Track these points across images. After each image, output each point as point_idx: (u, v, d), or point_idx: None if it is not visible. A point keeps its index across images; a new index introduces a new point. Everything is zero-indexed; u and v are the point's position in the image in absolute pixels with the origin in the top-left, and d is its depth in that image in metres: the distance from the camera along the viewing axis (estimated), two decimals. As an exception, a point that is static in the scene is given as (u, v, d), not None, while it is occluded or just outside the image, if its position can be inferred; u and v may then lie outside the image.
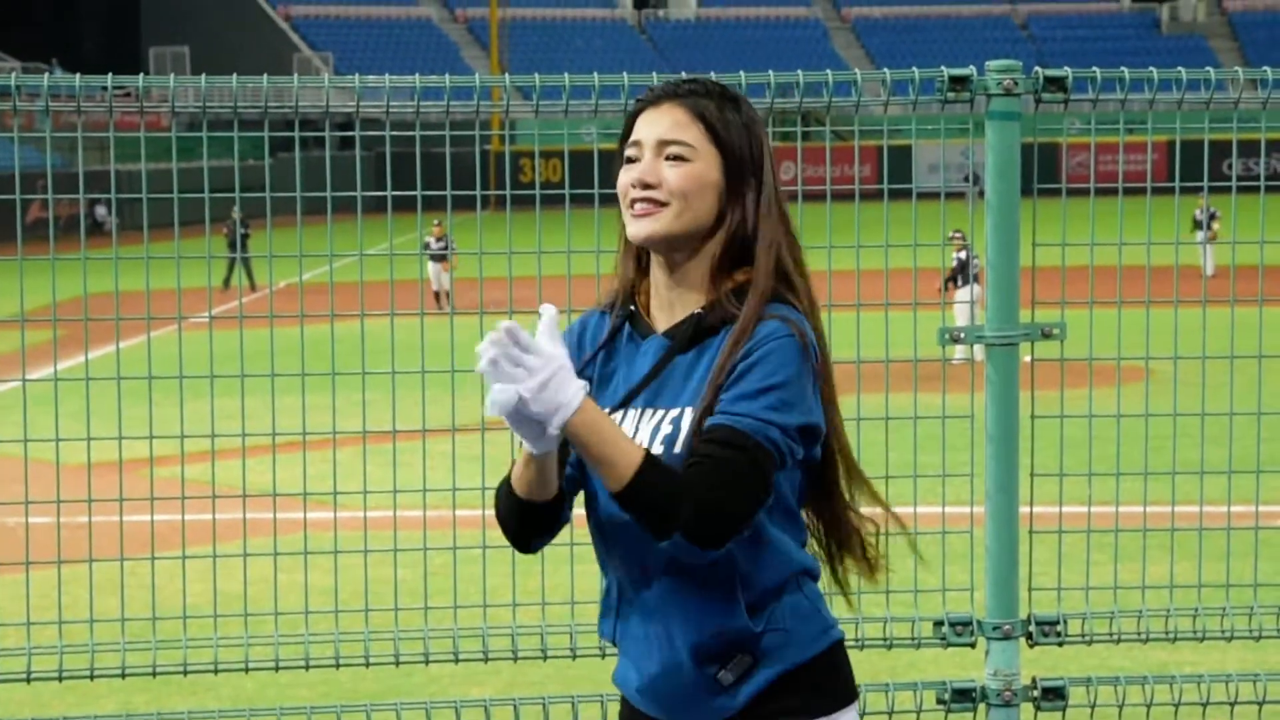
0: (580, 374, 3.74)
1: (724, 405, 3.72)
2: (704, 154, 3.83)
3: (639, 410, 3.86)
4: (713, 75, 6.13)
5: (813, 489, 4.00)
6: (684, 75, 4.03)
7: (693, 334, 3.85)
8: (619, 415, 3.86)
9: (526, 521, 3.85)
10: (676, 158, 3.82)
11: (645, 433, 3.82)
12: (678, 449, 3.76)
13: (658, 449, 3.77)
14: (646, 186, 3.82)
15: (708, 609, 3.80)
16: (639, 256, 3.98)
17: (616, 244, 4.00)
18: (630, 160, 3.87)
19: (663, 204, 3.81)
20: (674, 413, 3.81)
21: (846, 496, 4.07)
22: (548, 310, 3.53)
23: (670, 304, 3.91)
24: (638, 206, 3.83)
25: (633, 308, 3.97)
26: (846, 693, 3.93)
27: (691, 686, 3.84)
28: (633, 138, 3.89)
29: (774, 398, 3.71)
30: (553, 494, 3.78)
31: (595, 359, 3.97)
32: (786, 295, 3.87)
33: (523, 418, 3.47)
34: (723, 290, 3.86)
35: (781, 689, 3.84)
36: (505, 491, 3.85)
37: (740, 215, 3.86)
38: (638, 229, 3.83)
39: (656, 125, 3.86)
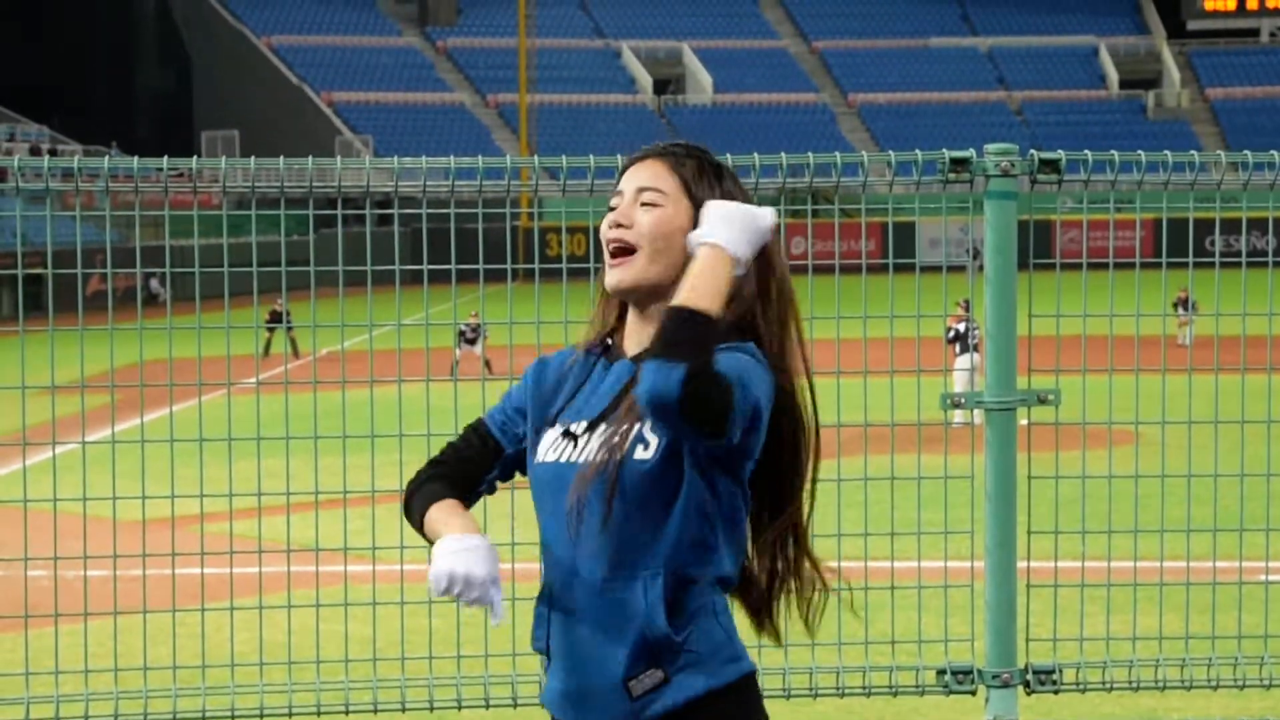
0: (548, 405, 3.93)
1: None
2: (676, 202, 3.84)
3: (601, 426, 3.85)
4: (728, 157, 6.17)
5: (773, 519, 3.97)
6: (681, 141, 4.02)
7: None
8: (584, 429, 3.86)
9: (424, 535, 3.97)
10: (650, 204, 3.84)
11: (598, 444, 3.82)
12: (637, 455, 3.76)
13: (603, 455, 3.78)
14: (619, 226, 3.84)
15: (633, 615, 3.77)
16: (619, 305, 3.98)
17: (596, 296, 4.00)
18: (613, 209, 3.90)
19: (633, 249, 3.82)
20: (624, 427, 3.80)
21: (807, 542, 4.01)
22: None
23: (641, 343, 3.87)
24: (613, 252, 3.85)
25: (609, 342, 3.98)
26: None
27: (605, 691, 3.80)
28: (619, 186, 3.92)
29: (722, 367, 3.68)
30: None
31: (563, 385, 3.97)
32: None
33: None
34: None
35: (690, 713, 3.79)
36: (417, 517, 3.96)
37: None
38: (612, 278, 3.84)
39: (639, 174, 3.89)
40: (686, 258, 3.79)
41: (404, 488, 4.05)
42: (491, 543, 3.77)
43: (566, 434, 3.88)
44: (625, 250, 3.83)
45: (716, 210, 3.77)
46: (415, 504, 3.99)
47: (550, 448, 3.91)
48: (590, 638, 3.82)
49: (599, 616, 3.80)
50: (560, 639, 3.88)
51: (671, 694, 3.78)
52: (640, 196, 3.85)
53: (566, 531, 3.83)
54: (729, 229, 3.73)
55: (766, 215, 3.80)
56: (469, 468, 4.04)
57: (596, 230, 5.68)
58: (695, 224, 3.81)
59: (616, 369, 3.91)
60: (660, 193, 3.84)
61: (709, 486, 3.78)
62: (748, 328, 3.87)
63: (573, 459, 3.85)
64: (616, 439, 3.77)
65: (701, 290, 3.63)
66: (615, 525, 3.76)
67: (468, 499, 4.01)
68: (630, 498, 3.75)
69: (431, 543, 3.87)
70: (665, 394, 3.51)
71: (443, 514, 3.91)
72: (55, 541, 6.36)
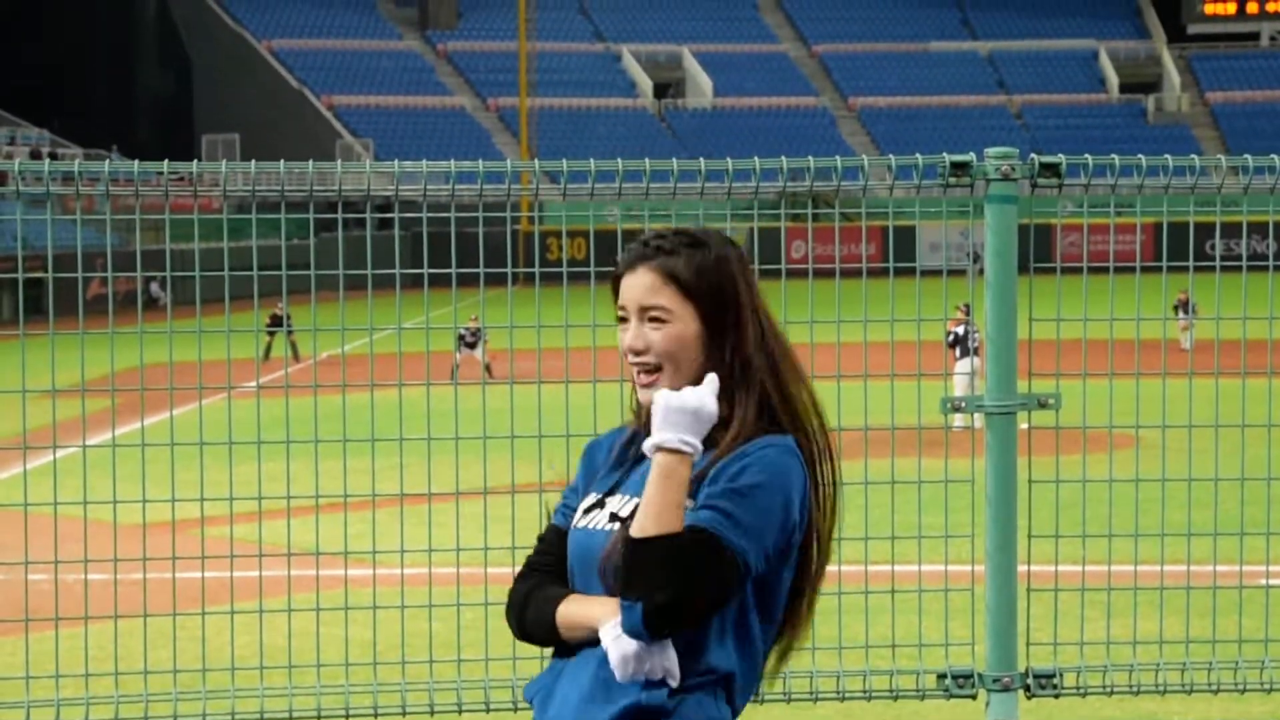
0: (593, 479, 4.04)
1: (700, 501, 3.80)
2: (680, 313, 3.92)
3: (625, 496, 3.96)
4: (728, 161, 6.17)
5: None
6: (651, 232, 4.03)
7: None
8: (615, 497, 3.96)
9: (551, 641, 3.97)
10: (657, 320, 3.92)
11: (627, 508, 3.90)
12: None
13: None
14: (637, 353, 3.93)
15: (632, 683, 3.79)
16: None
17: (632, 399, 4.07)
18: (623, 320, 3.97)
19: (657, 368, 3.92)
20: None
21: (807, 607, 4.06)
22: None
23: None
24: (640, 376, 3.94)
25: None
26: None
27: None
28: (620, 301, 3.99)
29: (743, 503, 3.78)
30: None
31: (608, 461, 4.07)
32: (784, 428, 3.92)
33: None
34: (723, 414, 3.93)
35: None
36: (545, 619, 3.93)
37: (724, 354, 3.94)
38: (645, 396, 3.95)
39: (635, 290, 3.95)
40: (703, 352, 3.91)
41: (508, 608, 4.04)
42: None
43: (599, 504, 3.98)
44: (650, 369, 3.94)
45: (657, 412, 3.83)
46: (534, 611, 3.97)
47: (583, 514, 4.00)
48: (584, 696, 3.84)
49: (597, 675, 3.83)
50: (554, 693, 3.90)
51: None
52: (646, 315, 3.93)
53: (588, 594, 3.91)
54: (671, 427, 3.81)
55: (705, 393, 3.84)
56: (561, 565, 4.04)
57: (598, 234, 5.73)
58: (702, 320, 3.91)
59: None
60: (663, 308, 3.92)
61: None
62: (774, 403, 3.94)
63: (603, 527, 3.93)
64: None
65: (651, 511, 3.75)
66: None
67: None
68: None
69: (562, 643, 3.92)
70: (636, 632, 3.73)
71: (583, 601, 3.92)
72: (56, 545, 6.36)
